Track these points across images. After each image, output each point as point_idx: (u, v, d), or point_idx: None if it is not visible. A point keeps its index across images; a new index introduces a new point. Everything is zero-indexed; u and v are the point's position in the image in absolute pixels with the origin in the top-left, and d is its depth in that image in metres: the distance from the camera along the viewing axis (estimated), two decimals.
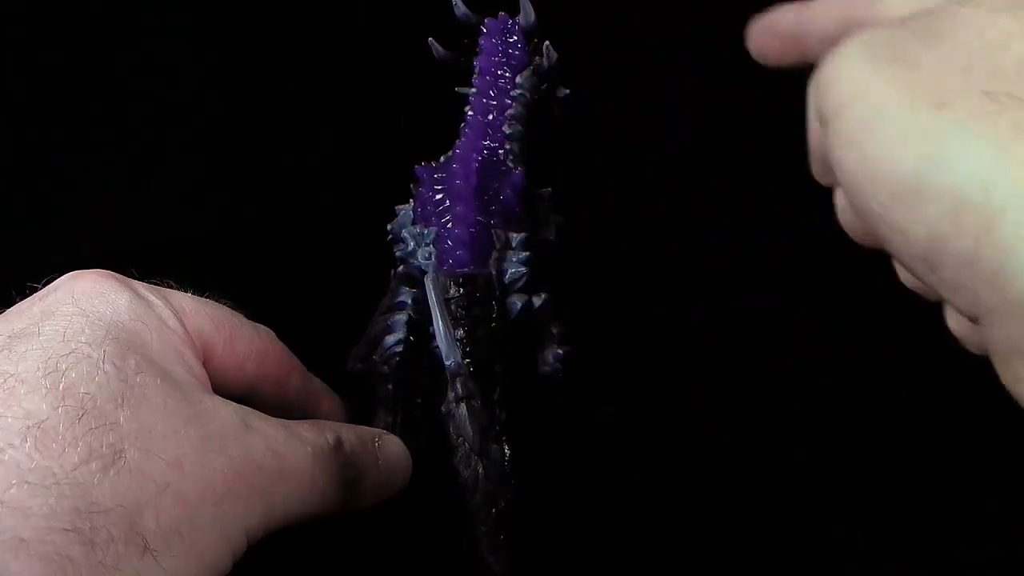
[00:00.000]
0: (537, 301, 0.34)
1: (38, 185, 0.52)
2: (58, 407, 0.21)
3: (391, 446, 0.29)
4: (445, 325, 0.30)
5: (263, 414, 0.25)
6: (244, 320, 0.29)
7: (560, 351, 0.34)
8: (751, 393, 0.41)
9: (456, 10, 0.39)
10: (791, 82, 0.56)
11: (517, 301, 0.34)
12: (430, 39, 0.39)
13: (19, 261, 0.27)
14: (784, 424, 0.39)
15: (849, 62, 0.22)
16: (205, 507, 0.22)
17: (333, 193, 0.56)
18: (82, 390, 0.22)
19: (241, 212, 0.55)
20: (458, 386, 0.30)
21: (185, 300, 0.27)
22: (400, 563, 0.33)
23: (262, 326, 0.30)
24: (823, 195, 0.55)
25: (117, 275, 0.26)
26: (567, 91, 0.40)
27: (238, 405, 0.25)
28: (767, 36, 0.30)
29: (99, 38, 0.52)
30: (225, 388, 0.27)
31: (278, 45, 0.55)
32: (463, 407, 0.30)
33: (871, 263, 0.27)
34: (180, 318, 0.26)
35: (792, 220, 0.52)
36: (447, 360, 0.30)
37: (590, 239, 0.40)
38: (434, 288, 0.31)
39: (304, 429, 0.26)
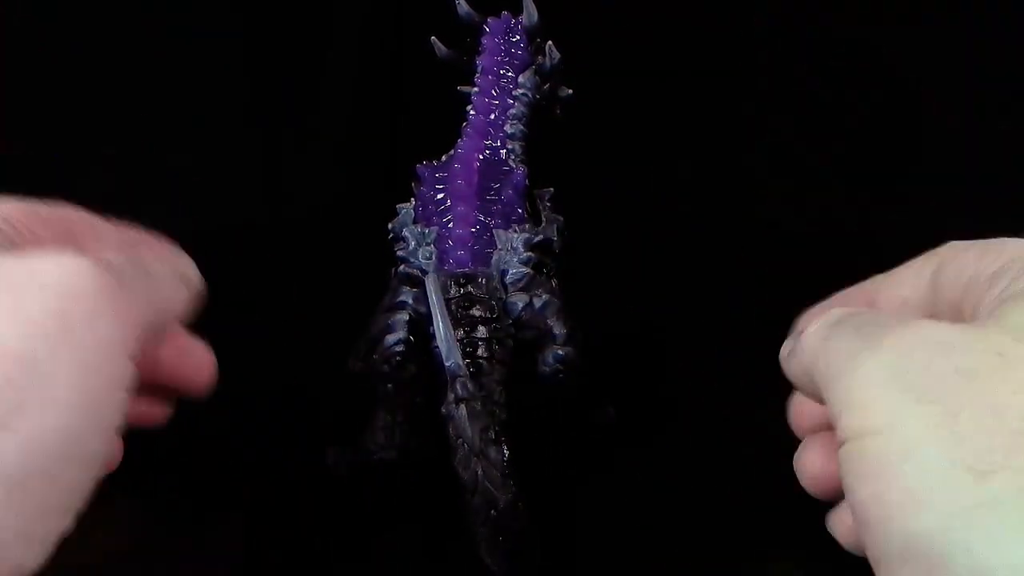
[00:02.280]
0: (538, 301, 0.34)
1: (38, 183, 0.52)
2: None
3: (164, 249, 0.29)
4: (445, 326, 0.30)
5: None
6: (39, 202, 0.27)
7: (561, 352, 0.34)
8: (751, 393, 0.41)
9: (459, 9, 0.39)
10: (791, 82, 0.56)
11: (518, 301, 0.34)
12: (432, 38, 0.39)
13: None
14: (784, 424, 0.39)
15: (881, 379, 0.20)
16: (42, 353, 0.20)
17: (333, 193, 0.55)
18: None
19: (241, 212, 0.55)
20: (458, 387, 0.30)
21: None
22: (401, 561, 0.33)
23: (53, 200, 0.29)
24: (823, 196, 0.56)
25: None
26: (569, 91, 0.40)
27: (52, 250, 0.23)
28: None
29: (99, 37, 0.52)
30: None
31: (278, 45, 0.55)
32: (463, 408, 0.29)
33: (871, 265, 0.27)
34: None
35: (792, 219, 0.52)
36: (447, 361, 0.30)
37: (590, 239, 0.40)
38: (434, 288, 0.30)
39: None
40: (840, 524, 0.25)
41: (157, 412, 0.26)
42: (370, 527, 0.34)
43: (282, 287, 0.44)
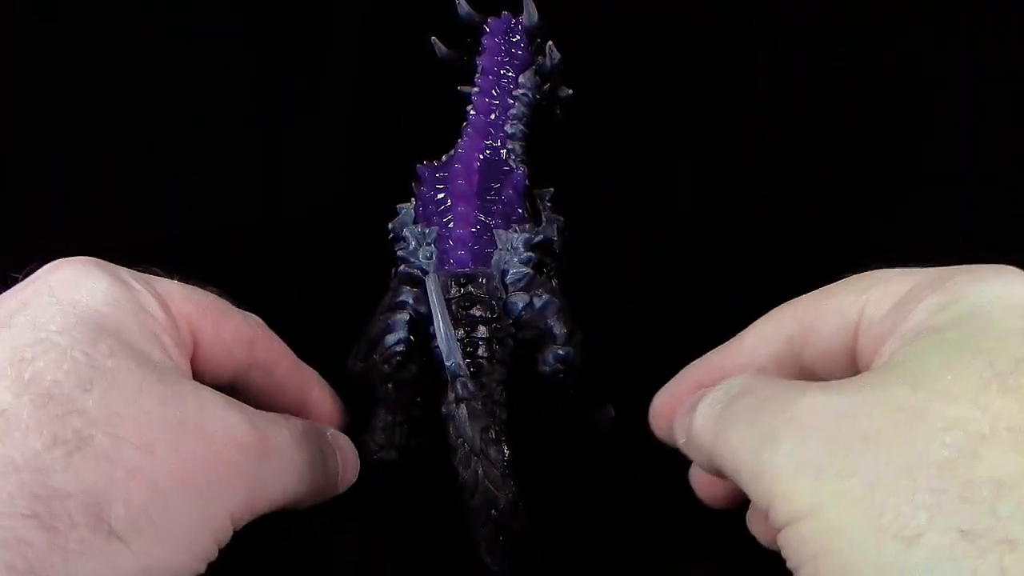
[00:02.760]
0: (538, 301, 0.34)
1: (39, 182, 0.52)
2: (22, 395, 0.21)
3: (342, 438, 0.30)
4: (446, 325, 0.30)
5: (240, 402, 0.25)
6: (232, 307, 0.29)
7: (561, 352, 0.34)
8: None
9: (459, 9, 0.39)
10: (792, 83, 0.56)
11: (518, 301, 0.34)
12: (432, 38, 0.39)
13: (19, 258, 0.27)
14: None
15: (791, 468, 0.20)
16: (180, 491, 0.22)
17: (333, 193, 0.56)
18: (48, 377, 0.21)
19: (241, 212, 0.55)
20: (458, 387, 0.30)
21: (170, 286, 0.27)
22: (401, 562, 0.33)
23: (251, 314, 0.30)
24: (823, 196, 0.55)
25: (100, 261, 0.26)
26: (569, 91, 0.40)
27: (217, 392, 0.25)
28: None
29: (99, 37, 0.52)
30: (215, 375, 0.27)
31: (278, 45, 0.55)
32: (463, 408, 0.29)
33: (870, 265, 0.27)
34: (163, 303, 0.26)
35: (792, 219, 0.52)
36: (447, 361, 0.30)
37: (590, 239, 0.40)
38: (435, 288, 0.30)
39: (275, 416, 0.26)
40: (756, 527, 0.25)
41: None
42: (370, 527, 0.34)
43: (282, 287, 0.45)
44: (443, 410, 0.30)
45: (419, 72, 0.40)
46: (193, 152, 0.53)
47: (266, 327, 0.30)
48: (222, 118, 0.54)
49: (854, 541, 0.18)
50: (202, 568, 0.22)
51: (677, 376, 0.28)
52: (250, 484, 0.24)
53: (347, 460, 0.30)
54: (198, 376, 0.26)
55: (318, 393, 0.32)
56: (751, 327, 0.27)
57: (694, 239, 0.51)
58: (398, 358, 0.32)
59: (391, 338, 0.32)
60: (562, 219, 0.37)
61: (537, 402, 0.34)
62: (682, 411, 0.27)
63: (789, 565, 0.20)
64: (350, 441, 0.30)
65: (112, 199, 0.53)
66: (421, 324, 0.33)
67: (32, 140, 0.51)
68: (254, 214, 0.55)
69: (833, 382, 0.21)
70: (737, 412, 0.23)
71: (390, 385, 0.32)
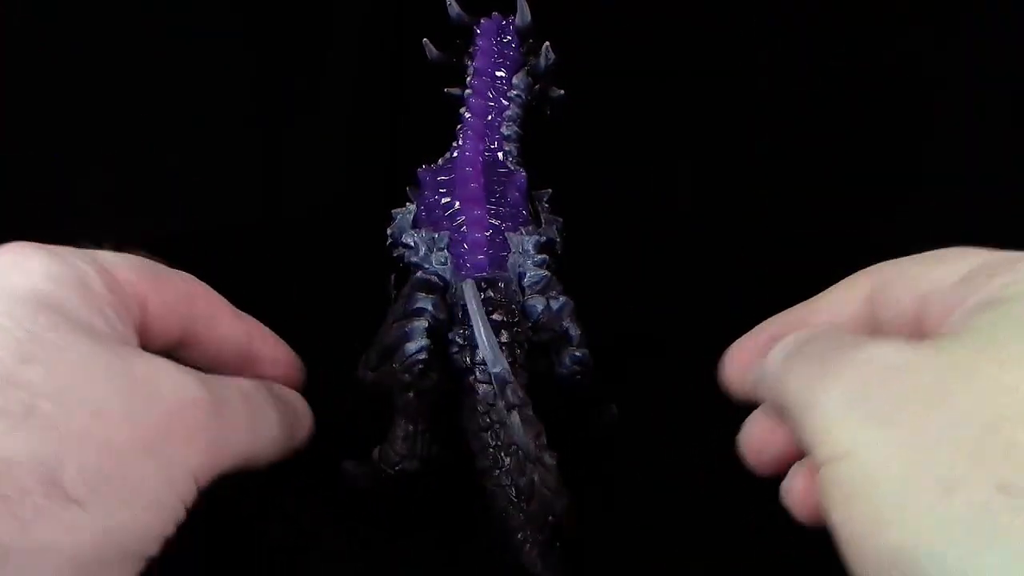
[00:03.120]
0: (555, 304, 0.34)
1: (39, 182, 0.52)
2: None
3: (290, 392, 0.30)
4: (487, 332, 0.29)
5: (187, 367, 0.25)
6: (165, 267, 0.29)
7: (578, 353, 0.33)
8: None
9: (450, 11, 0.39)
10: (792, 83, 0.56)
11: (537, 304, 0.33)
12: (424, 40, 0.39)
13: None
14: None
15: (843, 407, 0.20)
16: (136, 452, 0.22)
17: (333, 193, 0.56)
18: None
19: (241, 212, 0.55)
20: (508, 393, 0.29)
21: (110, 257, 0.27)
22: (417, 567, 0.33)
23: (183, 272, 0.30)
24: (823, 196, 0.55)
25: (37, 244, 0.26)
26: (561, 91, 0.40)
27: (165, 358, 0.25)
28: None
29: (99, 37, 0.52)
30: (164, 337, 0.28)
31: (278, 45, 0.55)
32: (515, 415, 0.28)
33: (870, 262, 0.27)
34: (105, 275, 0.26)
35: (792, 219, 0.52)
36: (494, 368, 0.29)
37: (590, 239, 0.40)
38: (473, 295, 0.30)
39: (223, 376, 0.27)
40: (792, 493, 0.25)
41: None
42: (389, 537, 0.33)
43: (282, 287, 0.44)
44: (488, 418, 0.30)
45: (419, 72, 0.40)
46: (193, 152, 0.53)
47: (200, 282, 0.30)
48: (222, 118, 0.54)
49: (891, 487, 0.18)
50: (169, 529, 0.23)
51: (756, 328, 0.28)
52: (208, 440, 0.24)
53: (299, 413, 0.30)
54: (149, 341, 0.27)
55: (264, 341, 0.31)
56: (830, 289, 0.27)
57: (694, 239, 0.51)
58: (420, 366, 0.31)
59: (411, 346, 0.31)
60: (561, 220, 0.37)
61: (555, 404, 0.33)
62: (758, 357, 0.27)
63: (822, 507, 0.20)
64: (299, 395, 0.31)
65: (112, 199, 0.53)
66: (440, 331, 0.32)
67: (32, 140, 0.51)
68: (254, 214, 0.55)
69: (899, 338, 0.22)
70: (804, 353, 0.23)
71: (411, 394, 0.32)
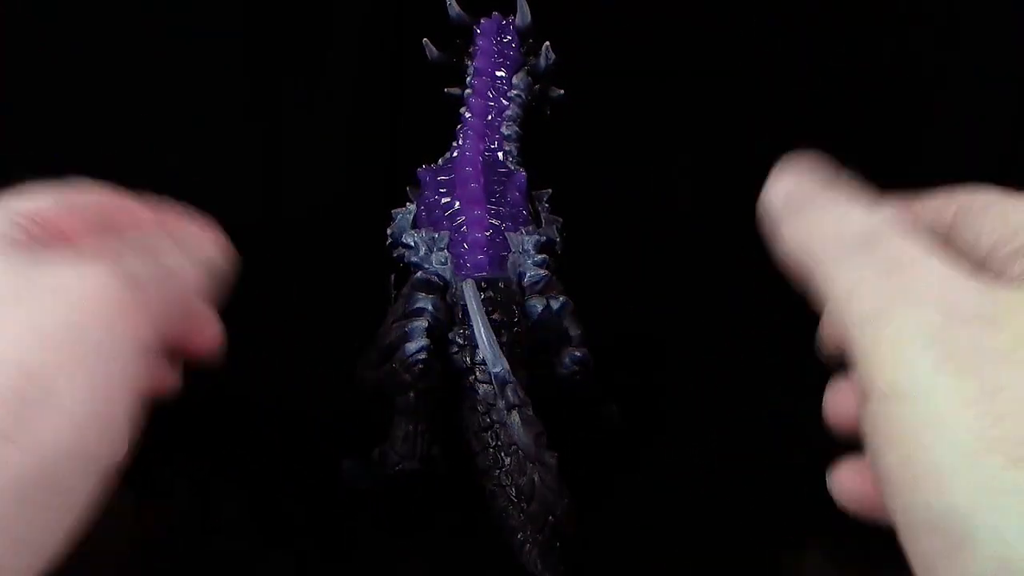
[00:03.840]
0: (555, 304, 0.34)
1: (39, 182, 0.52)
2: None
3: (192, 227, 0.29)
4: (487, 332, 0.29)
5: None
6: (73, 188, 0.28)
7: (578, 353, 0.33)
8: (751, 391, 0.41)
9: (450, 11, 0.39)
10: (793, 83, 0.56)
11: (537, 304, 0.33)
12: (424, 40, 0.39)
13: None
14: (786, 423, 0.39)
15: (917, 340, 0.18)
16: (55, 367, 0.20)
17: (333, 193, 0.55)
18: None
19: (241, 212, 0.55)
20: (508, 394, 0.29)
21: (14, 198, 0.26)
22: (417, 567, 0.33)
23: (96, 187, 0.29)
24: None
25: None
26: (560, 91, 0.40)
27: (64, 252, 0.23)
28: None
29: (99, 37, 0.52)
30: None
31: (278, 45, 0.55)
32: (515, 415, 0.29)
33: None
34: (27, 218, 0.25)
35: None
36: (494, 368, 0.29)
37: (590, 239, 0.40)
38: (474, 295, 0.30)
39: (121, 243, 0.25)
40: (844, 483, 0.23)
41: (169, 379, 0.26)
42: (391, 537, 0.33)
43: (282, 287, 0.44)
44: (489, 418, 0.30)
45: (419, 72, 0.40)
46: (193, 152, 0.53)
47: (113, 194, 0.29)
48: (222, 118, 0.54)
49: (954, 441, 0.17)
50: (125, 430, 0.21)
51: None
52: (134, 326, 0.22)
53: (210, 243, 0.29)
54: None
55: (178, 224, 0.30)
56: (932, 193, 0.25)
57: (694, 239, 0.51)
58: (420, 366, 0.31)
59: (411, 346, 0.31)
60: (560, 220, 0.37)
61: (555, 404, 0.33)
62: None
63: (869, 442, 0.19)
64: (206, 226, 0.29)
65: None
66: (439, 331, 0.32)
67: (32, 140, 0.51)
68: (254, 214, 0.55)
69: (981, 276, 0.19)
70: (875, 257, 0.20)
71: (411, 394, 0.32)
